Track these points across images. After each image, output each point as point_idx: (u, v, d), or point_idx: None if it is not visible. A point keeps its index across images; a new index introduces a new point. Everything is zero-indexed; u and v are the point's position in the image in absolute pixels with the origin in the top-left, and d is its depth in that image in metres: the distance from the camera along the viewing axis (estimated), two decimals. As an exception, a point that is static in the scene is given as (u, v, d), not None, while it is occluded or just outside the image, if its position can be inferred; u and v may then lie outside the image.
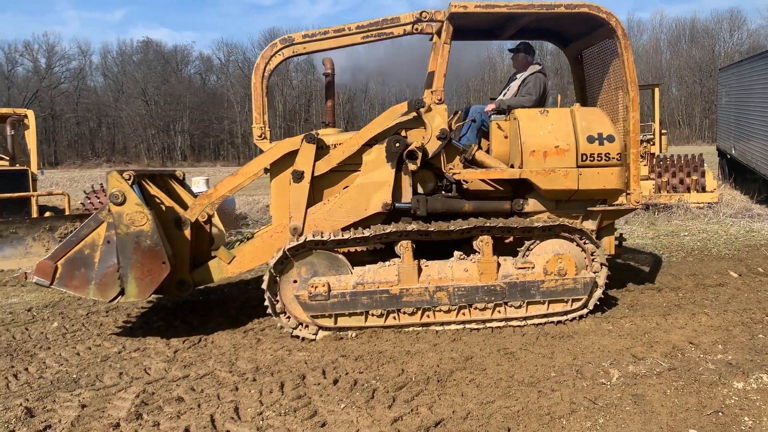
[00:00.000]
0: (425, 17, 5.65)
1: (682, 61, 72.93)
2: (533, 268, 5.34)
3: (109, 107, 70.73)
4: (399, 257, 5.27)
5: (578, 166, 5.57)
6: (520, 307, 5.32)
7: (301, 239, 5.16)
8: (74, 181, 30.95)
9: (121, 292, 4.99)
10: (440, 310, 5.24)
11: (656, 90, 16.52)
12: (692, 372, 4.02)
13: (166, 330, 5.62)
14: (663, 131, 16.79)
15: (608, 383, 3.90)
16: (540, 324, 5.31)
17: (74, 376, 4.53)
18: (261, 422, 3.56)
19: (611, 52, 6.05)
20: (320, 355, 4.71)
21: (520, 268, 5.33)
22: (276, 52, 5.65)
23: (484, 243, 5.30)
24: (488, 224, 5.33)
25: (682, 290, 6.30)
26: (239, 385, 4.15)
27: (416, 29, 5.72)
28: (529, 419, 3.44)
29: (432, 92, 5.58)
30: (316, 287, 5.09)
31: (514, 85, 6.36)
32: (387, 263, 5.28)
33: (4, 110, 11.41)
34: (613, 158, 5.63)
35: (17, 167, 10.68)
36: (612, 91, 6.20)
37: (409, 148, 5.39)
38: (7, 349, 5.29)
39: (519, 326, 5.27)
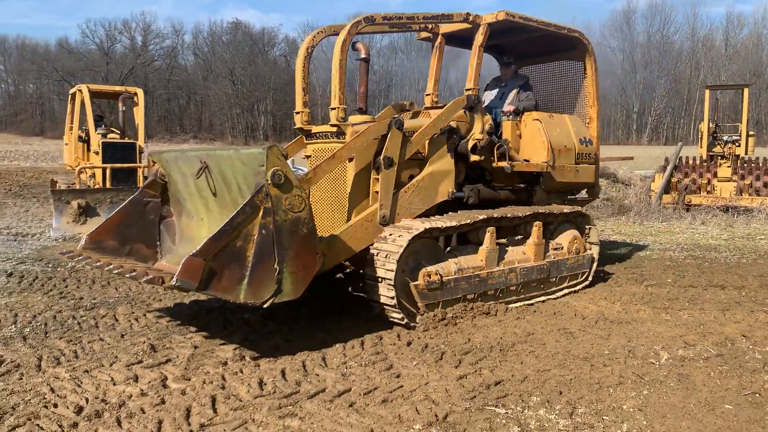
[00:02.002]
0: (469, 18, 6.19)
1: (784, 58, 68.90)
2: (562, 248, 6.36)
3: (198, 85, 73.80)
4: (467, 243, 5.74)
5: (575, 163, 6.86)
6: (554, 282, 6.21)
7: (421, 227, 5.09)
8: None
9: (276, 292, 4.22)
10: (509, 290, 5.76)
11: (746, 90, 16.15)
12: (738, 359, 4.34)
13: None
14: (751, 132, 16.41)
15: (657, 363, 4.28)
16: (563, 296, 6.24)
17: (186, 322, 5.29)
18: (345, 370, 4.16)
19: (581, 69, 7.56)
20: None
21: (555, 249, 6.25)
22: (359, 30, 5.68)
23: (537, 228, 6.00)
24: (553, 211, 6.22)
25: (746, 289, 6.49)
26: (326, 340, 4.78)
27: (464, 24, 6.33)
28: (579, 386, 3.89)
29: (467, 90, 6.07)
30: (430, 276, 5.08)
31: (511, 91, 6.96)
32: (469, 249, 5.63)
33: (116, 88, 12.58)
34: (592, 158, 7.13)
35: (127, 140, 11.78)
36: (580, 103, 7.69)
37: (473, 141, 5.94)
38: (126, 298, 6.14)
39: (551, 299, 6.12)
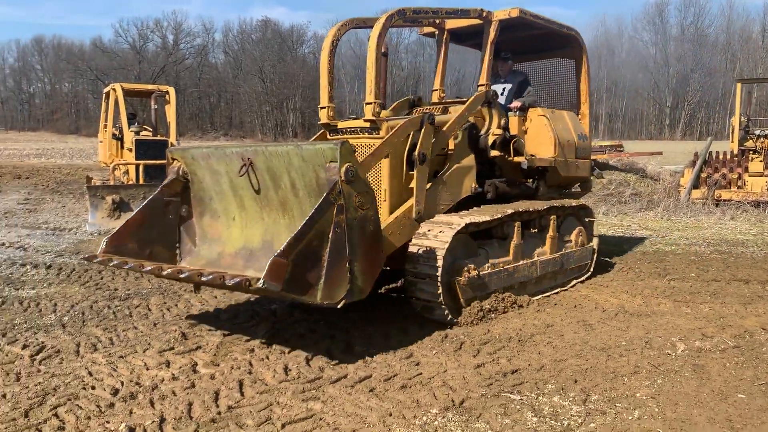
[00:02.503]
0: (483, 14, 6.27)
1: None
2: (571, 241, 6.59)
3: (228, 83, 74.79)
4: (490, 238, 5.79)
5: (576, 158, 7.04)
6: (564, 274, 6.42)
7: (462, 222, 5.12)
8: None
9: (349, 291, 4.08)
10: (530, 283, 5.87)
11: (778, 83, 15.87)
12: (755, 351, 4.38)
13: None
14: (784, 126, 16.11)
15: (673, 354, 4.35)
16: (569, 288, 6.42)
17: (215, 313, 5.50)
18: (367, 357, 4.31)
19: (571, 67, 7.77)
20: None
21: (566, 242, 6.45)
22: (393, 23, 5.63)
23: (553, 221, 6.20)
24: (565, 204, 6.52)
25: (770, 284, 6.48)
26: (350, 330, 4.94)
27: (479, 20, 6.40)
28: (595, 375, 3.98)
29: (480, 86, 6.13)
30: (469, 271, 5.07)
31: (511, 87, 6.99)
32: (495, 243, 5.64)
33: (149, 87, 12.93)
34: (588, 153, 7.33)
35: (159, 137, 12.11)
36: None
37: (493, 137, 6.03)
38: (159, 289, 6.38)
39: (563, 291, 6.33)
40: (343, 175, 4.00)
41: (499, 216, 5.52)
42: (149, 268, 4.46)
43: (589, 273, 6.90)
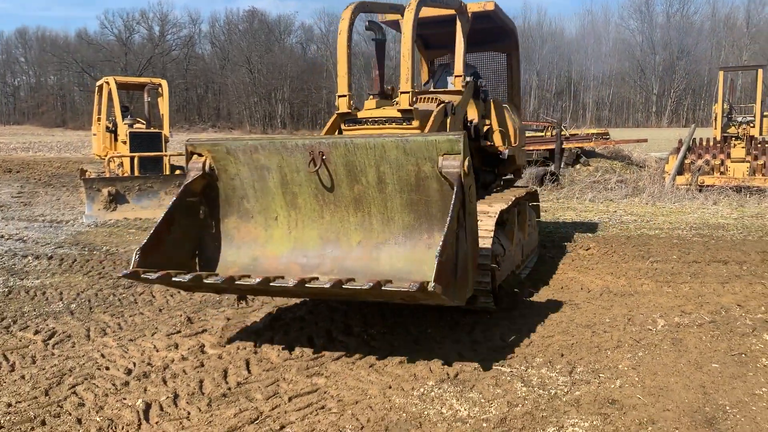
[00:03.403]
0: (460, 6, 6.16)
1: (808, 35, 67.59)
2: (532, 223, 7.03)
3: (215, 74, 74.45)
4: None
5: (519, 147, 7.27)
6: (527, 257, 6.71)
7: (498, 209, 5.19)
8: (183, 144, 33.26)
9: (469, 289, 4.04)
10: (518, 267, 6.13)
11: (760, 71, 16.20)
12: (730, 325, 4.67)
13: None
14: (765, 113, 16.47)
15: (654, 329, 4.62)
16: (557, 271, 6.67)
17: (217, 298, 5.71)
18: (366, 336, 4.56)
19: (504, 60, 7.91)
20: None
21: (530, 226, 6.86)
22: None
23: (527, 208, 6.65)
24: (531, 191, 6.96)
25: (747, 264, 6.77)
26: (348, 312, 5.18)
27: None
28: (580, 349, 4.24)
29: (456, 77, 6.13)
30: (497, 257, 5.05)
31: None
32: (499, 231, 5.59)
33: (142, 80, 13.08)
34: (523, 143, 7.57)
35: (153, 130, 12.25)
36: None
37: (486, 127, 6.28)
38: (161, 277, 6.58)
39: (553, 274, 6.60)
40: (466, 167, 3.87)
41: (512, 204, 5.74)
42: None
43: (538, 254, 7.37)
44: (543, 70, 75.38)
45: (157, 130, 12.26)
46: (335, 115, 5.45)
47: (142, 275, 3.96)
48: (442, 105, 5.48)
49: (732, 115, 16.46)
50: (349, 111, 5.33)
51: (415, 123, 5.18)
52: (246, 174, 4.55)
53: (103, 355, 4.28)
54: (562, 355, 4.14)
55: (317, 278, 3.89)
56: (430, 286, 3.37)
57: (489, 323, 4.80)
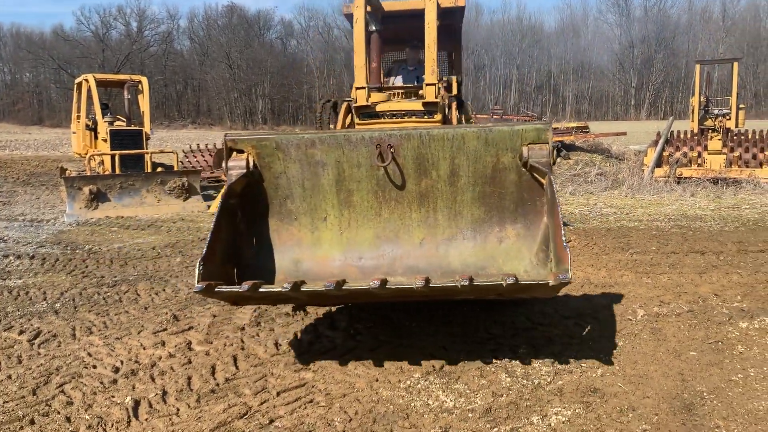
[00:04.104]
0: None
1: (782, 29, 68.66)
2: None
3: (195, 70, 73.80)
4: None
5: None
6: None
7: None
8: (163, 141, 33.05)
9: None
10: None
11: (735, 64, 16.50)
12: (707, 314, 4.79)
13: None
14: (741, 106, 16.77)
15: (634, 319, 4.73)
16: None
17: (202, 296, 5.72)
18: (352, 331, 4.61)
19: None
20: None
21: None
22: None
23: None
24: None
25: (724, 254, 6.92)
26: (332, 308, 5.22)
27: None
28: (562, 340, 4.33)
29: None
30: None
31: (419, 75, 6.72)
32: None
33: (122, 77, 12.95)
34: None
35: (133, 127, 12.16)
36: None
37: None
38: (145, 275, 6.57)
39: None
40: (554, 157, 3.88)
41: None
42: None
43: None
44: (523, 64, 75.81)
45: (137, 128, 12.17)
46: (345, 107, 5.21)
47: (216, 289, 3.47)
48: (454, 100, 5.36)
49: (709, 108, 16.72)
50: (368, 104, 5.10)
51: (438, 116, 5.04)
52: (295, 171, 4.24)
53: (89, 354, 4.28)
54: (546, 346, 4.23)
55: (404, 279, 3.75)
56: (561, 278, 3.21)
57: (473, 316, 4.87)
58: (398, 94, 6.06)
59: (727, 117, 16.37)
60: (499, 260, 4.11)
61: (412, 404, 3.44)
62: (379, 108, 5.21)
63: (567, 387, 3.59)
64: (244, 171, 4.13)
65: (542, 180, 3.96)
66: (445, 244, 4.21)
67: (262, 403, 3.48)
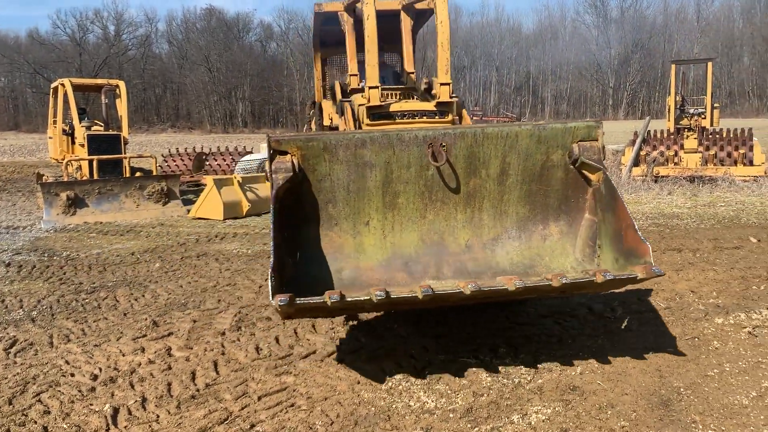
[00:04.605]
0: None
1: (755, 29, 69.79)
2: None
3: (174, 74, 73.20)
4: None
5: None
6: None
7: None
8: (142, 145, 32.77)
9: None
10: None
11: (709, 64, 16.72)
12: (684, 311, 4.86)
13: (248, 271, 6.74)
14: (716, 105, 17.01)
15: (612, 317, 4.78)
16: None
17: (182, 301, 5.69)
18: (333, 334, 4.60)
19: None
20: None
21: None
22: None
23: None
24: None
25: (700, 251, 7.02)
26: (314, 310, 5.22)
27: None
28: (542, 338, 4.37)
29: (411, 73, 6.04)
30: None
31: (385, 77, 6.55)
32: None
33: (99, 81, 12.81)
34: None
35: (111, 132, 12.04)
36: None
37: None
38: (124, 281, 6.51)
39: None
40: (604, 153, 3.96)
41: None
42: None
43: None
44: (502, 65, 76.30)
45: (115, 132, 12.06)
46: (355, 108, 4.99)
47: (299, 301, 3.23)
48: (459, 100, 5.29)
49: (684, 107, 16.94)
50: (382, 104, 4.95)
51: (449, 117, 4.99)
52: (341, 173, 4.02)
53: (67, 362, 4.23)
54: (525, 345, 4.26)
55: (490, 281, 3.64)
56: (654, 271, 3.29)
57: (453, 317, 4.89)
58: (395, 94, 5.89)
59: (703, 116, 16.58)
60: (546, 258, 4.14)
61: (394, 405, 3.45)
62: (392, 108, 5.10)
63: (547, 385, 3.62)
64: (291, 174, 3.86)
65: (591, 177, 4.03)
66: (492, 245, 4.19)
67: (243, 408, 3.46)
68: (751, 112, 60.54)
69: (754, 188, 12.64)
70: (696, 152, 14.62)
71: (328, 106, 6.98)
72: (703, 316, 4.72)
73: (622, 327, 4.55)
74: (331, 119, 6.54)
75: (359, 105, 5.14)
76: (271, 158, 3.88)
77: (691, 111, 16.78)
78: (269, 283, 3.26)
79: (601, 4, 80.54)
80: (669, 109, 16.87)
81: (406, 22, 6.39)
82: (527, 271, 4.00)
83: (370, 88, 4.87)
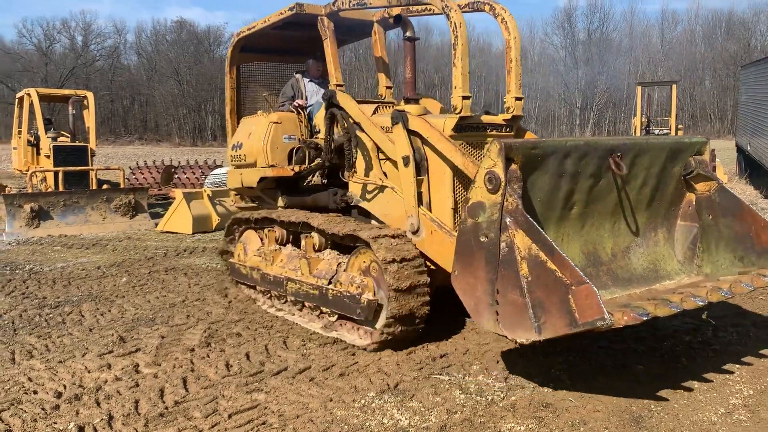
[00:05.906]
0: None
1: (717, 53, 71.96)
2: None
3: (142, 86, 72.33)
4: None
5: None
6: None
7: None
8: (109, 157, 32.25)
9: None
10: None
11: (673, 87, 17.22)
12: (653, 328, 4.91)
13: (218, 286, 6.64)
14: (679, 126, 17.48)
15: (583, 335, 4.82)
16: None
17: (150, 316, 5.57)
18: (305, 351, 4.55)
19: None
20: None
21: None
22: None
23: None
24: None
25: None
26: (283, 328, 5.15)
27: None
28: (514, 356, 4.38)
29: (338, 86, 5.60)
30: None
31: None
32: None
33: (66, 92, 12.62)
34: None
35: (78, 143, 11.83)
36: None
37: None
38: (90, 296, 6.36)
39: None
40: (712, 166, 4.42)
41: None
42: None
43: None
44: (472, 84, 76.96)
45: (82, 144, 11.84)
46: (448, 118, 4.73)
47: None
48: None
49: (650, 128, 17.37)
50: (472, 115, 4.77)
51: (512, 131, 5.03)
52: (543, 184, 3.76)
53: (30, 379, 4.11)
54: (498, 362, 4.27)
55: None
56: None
57: (424, 333, 4.88)
58: (383, 107, 5.73)
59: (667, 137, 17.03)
60: (661, 262, 4.46)
61: (367, 423, 3.41)
62: (485, 120, 4.93)
63: (520, 402, 3.63)
64: (520, 183, 3.52)
65: (700, 187, 4.47)
66: (627, 253, 4.39)
67: (213, 426, 3.39)
68: (713, 133, 62.08)
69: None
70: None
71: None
72: (672, 333, 4.79)
73: (593, 343, 4.59)
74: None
75: (420, 115, 4.89)
76: (506, 166, 3.48)
77: (656, 132, 17.21)
78: (597, 299, 3.13)
79: (569, 26, 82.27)
80: (635, 130, 17.29)
81: (380, 35, 6.38)
82: (658, 276, 4.34)
83: (462, 98, 4.63)
